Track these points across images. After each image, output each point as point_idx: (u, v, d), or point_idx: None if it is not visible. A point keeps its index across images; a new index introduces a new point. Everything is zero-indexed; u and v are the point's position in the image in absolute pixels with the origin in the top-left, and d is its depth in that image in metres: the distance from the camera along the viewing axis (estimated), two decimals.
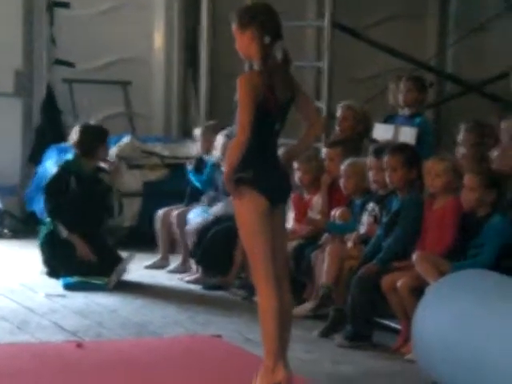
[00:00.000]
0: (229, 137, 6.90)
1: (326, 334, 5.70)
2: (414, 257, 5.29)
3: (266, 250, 4.39)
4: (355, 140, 6.80)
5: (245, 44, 4.44)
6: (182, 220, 7.52)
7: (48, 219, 7.17)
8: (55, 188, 7.15)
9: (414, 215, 5.56)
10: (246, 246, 4.48)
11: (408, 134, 6.61)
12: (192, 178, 7.68)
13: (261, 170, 4.39)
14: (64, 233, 7.06)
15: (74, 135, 7.27)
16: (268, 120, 4.41)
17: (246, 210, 4.38)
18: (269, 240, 4.40)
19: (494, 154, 5.67)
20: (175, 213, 7.56)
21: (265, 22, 4.42)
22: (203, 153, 7.73)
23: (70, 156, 7.49)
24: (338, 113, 7.10)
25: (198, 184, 7.65)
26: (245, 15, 4.44)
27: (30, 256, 7.71)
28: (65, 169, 7.23)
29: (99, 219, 7.21)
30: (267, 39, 4.40)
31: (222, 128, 7.49)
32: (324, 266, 5.85)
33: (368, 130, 7.02)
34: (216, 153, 7.40)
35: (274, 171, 4.45)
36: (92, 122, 7.64)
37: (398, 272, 5.42)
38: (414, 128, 6.68)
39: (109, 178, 7.26)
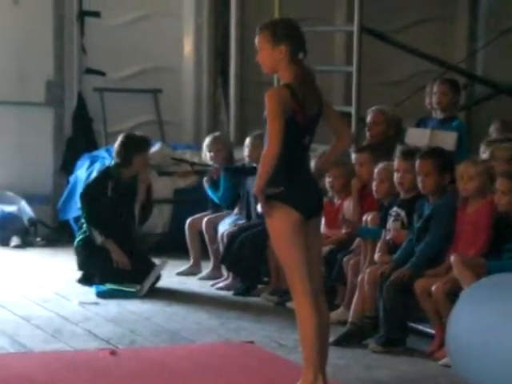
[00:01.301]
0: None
1: (359, 339, 5.67)
2: (452, 258, 5.25)
3: (301, 263, 4.39)
4: (385, 144, 6.76)
5: (275, 59, 4.43)
6: (211, 227, 7.54)
7: (84, 224, 7.21)
8: (92, 193, 7.19)
9: (447, 220, 5.52)
10: (281, 260, 4.49)
11: (448, 139, 6.50)
12: (209, 193, 7.68)
13: (292, 184, 4.40)
14: (99, 239, 7.10)
15: (115, 143, 7.33)
16: (297, 134, 4.42)
17: (279, 223, 4.39)
18: (303, 253, 4.40)
19: None
20: (204, 220, 7.58)
21: (298, 38, 4.45)
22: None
23: (110, 163, 7.52)
24: (368, 117, 7.08)
25: (215, 199, 7.65)
26: (278, 30, 4.43)
27: (62, 264, 7.76)
28: (103, 175, 7.27)
29: (131, 227, 7.24)
30: (301, 55, 4.42)
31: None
32: (364, 291, 5.69)
33: (399, 134, 6.98)
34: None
35: (305, 185, 4.46)
36: (115, 130, 7.67)
37: (431, 276, 5.39)
38: (453, 133, 6.60)
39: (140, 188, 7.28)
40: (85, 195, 7.25)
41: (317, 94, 4.47)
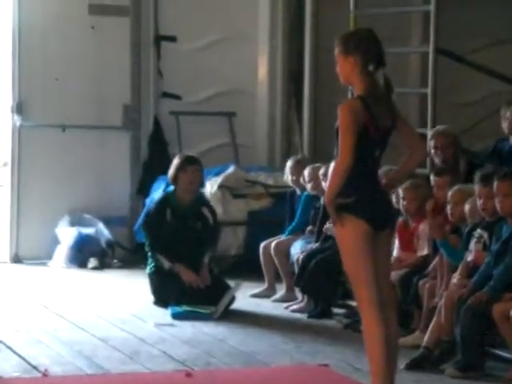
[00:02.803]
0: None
1: (436, 364, 5.60)
2: None
3: (368, 274, 4.36)
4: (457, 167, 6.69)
5: (347, 70, 4.46)
6: (281, 250, 7.55)
7: (149, 253, 7.29)
8: (152, 222, 7.27)
9: None
10: (348, 271, 4.47)
11: None
12: None
13: (362, 196, 4.39)
14: (166, 264, 7.17)
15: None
16: (368, 146, 4.42)
17: (347, 234, 4.38)
18: (371, 264, 4.37)
19: None
20: (274, 243, 7.60)
21: (369, 50, 4.44)
22: (296, 186, 7.78)
23: (169, 189, 7.60)
24: (433, 140, 6.93)
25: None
26: (349, 41, 4.46)
27: (138, 286, 7.84)
28: (162, 202, 7.34)
29: (200, 250, 7.25)
30: (371, 67, 4.41)
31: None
32: (441, 315, 5.63)
33: (463, 155, 6.88)
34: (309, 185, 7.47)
35: (376, 197, 4.44)
36: (190, 153, 7.75)
37: (510, 300, 5.30)
38: None
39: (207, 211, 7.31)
40: (145, 224, 7.36)
41: (390, 106, 4.45)
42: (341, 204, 4.35)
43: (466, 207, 5.88)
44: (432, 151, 6.93)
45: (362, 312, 4.43)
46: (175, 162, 7.35)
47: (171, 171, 7.32)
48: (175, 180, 7.28)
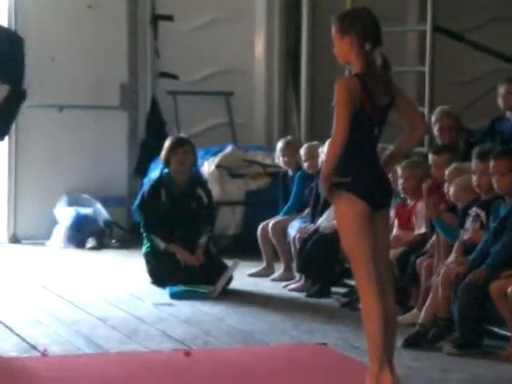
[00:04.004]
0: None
1: (433, 341, 5.63)
2: None
3: (367, 252, 4.36)
4: (457, 146, 6.69)
5: (344, 49, 4.45)
6: (279, 230, 7.56)
7: (144, 234, 7.30)
8: (147, 204, 7.29)
9: None
10: (346, 249, 4.46)
11: None
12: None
13: (360, 175, 4.38)
14: (161, 245, 7.18)
15: None
16: (366, 125, 4.41)
17: (346, 212, 4.38)
18: (370, 243, 4.37)
19: None
20: (271, 223, 7.61)
21: (365, 28, 4.42)
22: (287, 167, 7.79)
23: (163, 171, 7.60)
24: (436, 120, 6.95)
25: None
26: (345, 21, 4.45)
27: (137, 266, 7.85)
28: (156, 184, 7.36)
29: (196, 231, 7.26)
30: (367, 46, 4.40)
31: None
32: (438, 293, 5.64)
33: (463, 133, 6.88)
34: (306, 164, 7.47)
35: (374, 176, 4.44)
36: (187, 132, 7.75)
37: (508, 277, 5.31)
38: None
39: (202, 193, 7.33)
40: (140, 206, 7.38)
41: (388, 84, 4.44)
42: (337, 182, 4.35)
43: (459, 185, 5.88)
44: (437, 132, 6.92)
45: (360, 290, 4.44)
46: (166, 144, 7.37)
47: (162, 154, 7.36)
48: (167, 162, 7.31)
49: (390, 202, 4.61)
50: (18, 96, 5.46)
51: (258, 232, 7.74)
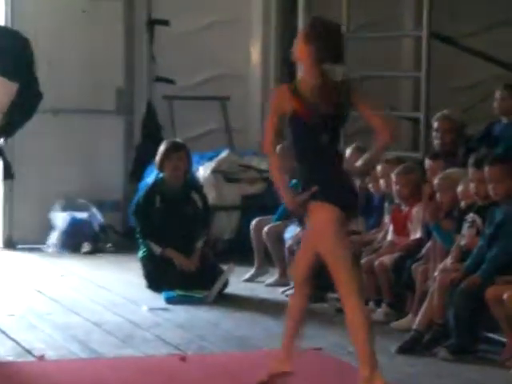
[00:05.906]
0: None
1: (428, 347, 5.63)
2: None
3: (345, 258, 4.46)
4: (456, 151, 6.69)
5: (303, 55, 4.57)
6: (273, 235, 7.55)
7: (140, 240, 7.30)
8: (141, 209, 7.31)
9: None
10: (326, 257, 4.53)
11: None
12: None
13: (325, 183, 4.47)
14: (157, 250, 7.19)
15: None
16: (311, 133, 4.50)
17: (322, 219, 4.46)
18: (345, 249, 4.49)
19: None
20: (266, 228, 7.60)
21: (327, 49, 4.51)
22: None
23: (157, 176, 7.60)
24: (436, 124, 6.97)
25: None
26: (313, 31, 4.55)
27: (132, 270, 7.84)
28: (150, 189, 7.37)
29: (191, 235, 7.26)
30: (327, 64, 4.50)
31: None
32: (433, 299, 5.65)
33: (462, 139, 6.89)
34: None
35: (339, 183, 4.51)
36: (183, 137, 7.75)
37: (503, 283, 5.32)
38: None
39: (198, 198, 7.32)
40: (135, 212, 7.38)
41: (336, 94, 4.50)
42: (304, 200, 4.42)
43: (459, 189, 5.89)
44: (433, 134, 6.94)
45: (343, 298, 4.47)
46: (161, 149, 7.36)
47: (157, 159, 7.36)
48: (161, 167, 7.30)
49: (357, 210, 4.69)
50: (34, 96, 5.50)
51: (252, 228, 7.71)
